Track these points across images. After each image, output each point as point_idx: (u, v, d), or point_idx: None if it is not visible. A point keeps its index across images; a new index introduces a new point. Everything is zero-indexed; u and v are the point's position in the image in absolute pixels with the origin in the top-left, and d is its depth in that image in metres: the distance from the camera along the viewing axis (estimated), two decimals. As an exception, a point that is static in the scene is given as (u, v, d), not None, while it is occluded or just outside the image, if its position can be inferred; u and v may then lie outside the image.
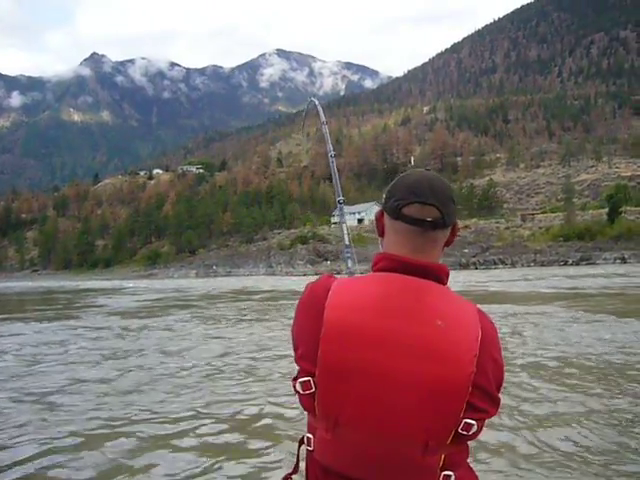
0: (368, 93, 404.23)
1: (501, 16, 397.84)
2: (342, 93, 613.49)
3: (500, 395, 1.51)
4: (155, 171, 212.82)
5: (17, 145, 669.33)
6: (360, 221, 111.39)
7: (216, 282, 66.58)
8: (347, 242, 3.37)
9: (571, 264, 67.25)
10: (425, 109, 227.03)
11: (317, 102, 4.24)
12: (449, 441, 1.43)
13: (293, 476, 1.63)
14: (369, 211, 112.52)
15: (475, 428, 1.43)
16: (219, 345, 13.65)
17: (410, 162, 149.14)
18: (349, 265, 3.22)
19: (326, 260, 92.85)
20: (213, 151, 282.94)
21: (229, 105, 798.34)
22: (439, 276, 1.54)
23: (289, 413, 7.35)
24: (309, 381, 1.47)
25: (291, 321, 1.56)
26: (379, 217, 1.65)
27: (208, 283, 64.59)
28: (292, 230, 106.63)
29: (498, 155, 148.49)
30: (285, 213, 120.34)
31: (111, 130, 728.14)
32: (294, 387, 1.52)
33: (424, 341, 1.41)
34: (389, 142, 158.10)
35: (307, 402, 1.51)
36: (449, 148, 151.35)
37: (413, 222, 1.51)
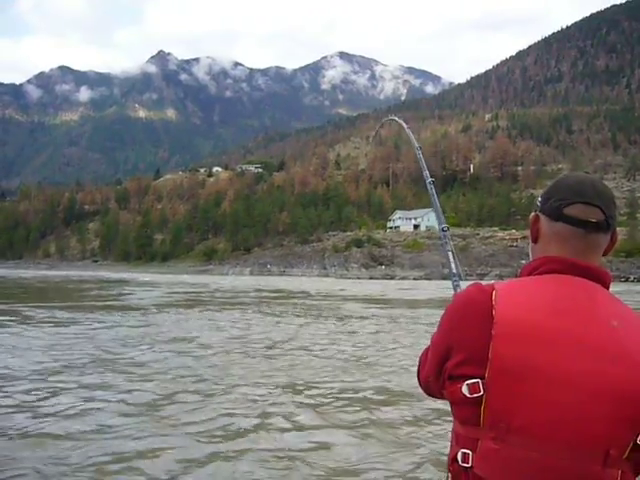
0: (429, 99, 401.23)
1: (569, 24, 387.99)
2: (403, 98, 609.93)
3: None
4: (215, 169, 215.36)
5: (83, 139, 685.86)
6: (416, 227, 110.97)
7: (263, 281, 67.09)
8: (454, 270, 3.19)
9: (632, 280, 65.64)
10: (487, 117, 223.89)
11: (406, 125, 4.16)
12: (626, 454, 1.31)
13: None
14: (426, 217, 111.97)
15: None
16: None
17: (469, 170, 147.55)
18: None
19: (381, 265, 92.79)
20: (272, 151, 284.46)
21: (290, 106, 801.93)
22: (605, 281, 1.48)
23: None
24: (477, 383, 1.35)
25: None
26: (533, 221, 1.60)
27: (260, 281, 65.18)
28: (347, 233, 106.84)
29: (560, 166, 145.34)
30: (341, 216, 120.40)
31: (174, 127, 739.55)
32: (452, 392, 1.43)
33: (601, 341, 1.33)
34: (449, 149, 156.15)
35: (471, 411, 1.38)
36: (510, 157, 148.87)
37: (576, 223, 1.46)
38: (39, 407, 7.97)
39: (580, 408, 1.30)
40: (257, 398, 8.56)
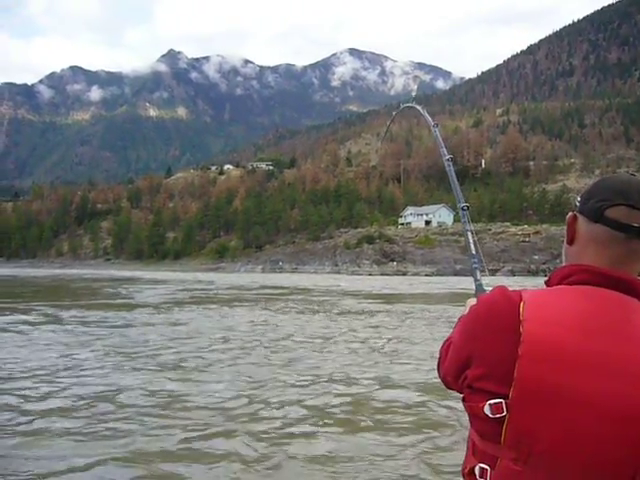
0: (440, 94, 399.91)
1: (581, 18, 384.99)
2: (414, 94, 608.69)
3: None
4: (226, 166, 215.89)
5: (95, 138, 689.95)
6: (428, 223, 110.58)
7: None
8: (473, 251, 2.96)
9: (644, 276, 65.27)
10: (498, 111, 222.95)
11: (420, 107, 4.08)
12: None
13: None
14: (437, 213, 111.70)
15: None
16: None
17: (481, 165, 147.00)
18: (477, 277, 2.86)
19: (392, 261, 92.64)
20: (283, 148, 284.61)
21: (300, 103, 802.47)
22: None
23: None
24: (500, 404, 1.28)
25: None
26: (571, 221, 1.47)
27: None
28: (359, 229, 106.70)
29: (572, 160, 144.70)
30: (352, 212, 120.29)
31: (185, 125, 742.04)
32: (472, 407, 1.36)
33: (633, 363, 1.25)
34: (460, 144, 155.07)
35: (491, 428, 1.31)
36: (521, 152, 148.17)
37: (617, 227, 1.35)
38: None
39: (606, 433, 1.24)
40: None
